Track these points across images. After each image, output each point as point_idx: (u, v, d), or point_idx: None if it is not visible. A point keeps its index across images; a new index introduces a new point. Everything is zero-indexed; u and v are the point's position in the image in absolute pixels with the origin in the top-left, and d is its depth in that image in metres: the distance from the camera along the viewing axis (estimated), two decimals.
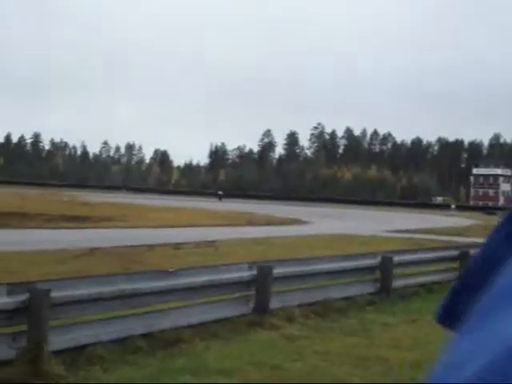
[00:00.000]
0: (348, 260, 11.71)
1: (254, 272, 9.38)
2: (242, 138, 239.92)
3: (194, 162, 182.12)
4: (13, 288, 6.36)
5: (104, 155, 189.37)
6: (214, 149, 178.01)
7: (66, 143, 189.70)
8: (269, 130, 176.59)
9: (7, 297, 6.25)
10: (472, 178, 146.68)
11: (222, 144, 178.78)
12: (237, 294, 9.39)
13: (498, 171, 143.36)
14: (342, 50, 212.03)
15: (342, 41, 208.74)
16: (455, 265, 14.09)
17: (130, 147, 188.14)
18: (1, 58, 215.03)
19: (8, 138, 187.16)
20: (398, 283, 12.33)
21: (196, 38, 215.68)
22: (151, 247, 19.63)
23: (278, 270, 9.73)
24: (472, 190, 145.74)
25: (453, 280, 13.76)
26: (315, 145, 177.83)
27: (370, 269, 12.01)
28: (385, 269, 11.99)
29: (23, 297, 6.31)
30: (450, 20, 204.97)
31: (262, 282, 9.40)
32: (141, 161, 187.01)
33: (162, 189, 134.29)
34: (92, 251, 17.38)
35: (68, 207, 42.46)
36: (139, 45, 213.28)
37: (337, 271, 11.25)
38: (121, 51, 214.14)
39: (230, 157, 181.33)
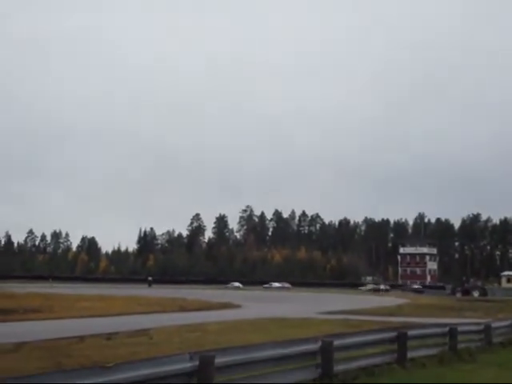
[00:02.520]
0: (290, 346, 11.48)
1: (196, 362, 9.08)
2: (171, 223, 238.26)
3: (123, 248, 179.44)
4: None
5: (29, 244, 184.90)
6: (142, 234, 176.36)
7: None
8: (198, 214, 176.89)
9: None
10: (399, 257, 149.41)
11: (151, 229, 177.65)
12: None
13: (425, 250, 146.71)
14: (276, 129, 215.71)
15: (275, 121, 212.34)
16: (394, 347, 14.04)
17: (56, 235, 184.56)
18: None
19: None
20: (338, 367, 12.16)
21: (126, 118, 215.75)
22: (82, 338, 18.93)
23: (220, 359, 9.45)
24: (400, 269, 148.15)
25: (392, 363, 13.70)
26: (244, 227, 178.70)
27: (312, 353, 11.82)
28: (326, 353, 11.83)
29: None
30: (377, 98, 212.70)
31: (204, 372, 9.09)
32: (68, 249, 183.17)
33: (91, 277, 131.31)
34: (19, 346, 16.58)
35: None
36: (64, 126, 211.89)
37: (279, 358, 11.01)
38: (43, 135, 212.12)
39: (159, 241, 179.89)
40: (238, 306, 41.71)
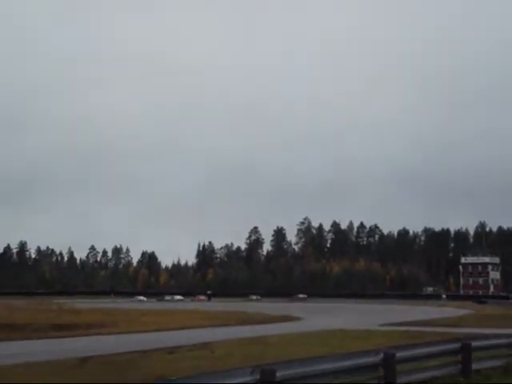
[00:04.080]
0: (350, 358, 11.39)
1: (257, 376, 9.09)
2: (230, 237, 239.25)
3: (182, 262, 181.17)
4: None
5: (91, 260, 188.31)
6: (201, 248, 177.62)
7: (52, 250, 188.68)
8: (256, 228, 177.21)
9: None
10: (461, 267, 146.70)
11: (210, 243, 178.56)
12: None
13: (487, 259, 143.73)
14: (330, 139, 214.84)
15: (330, 129, 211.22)
16: (457, 358, 13.77)
17: (117, 251, 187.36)
18: None
19: None
20: (402, 380, 11.98)
21: (188, 131, 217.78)
22: (145, 353, 19.20)
23: (281, 373, 9.44)
24: (462, 279, 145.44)
25: (456, 374, 13.42)
26: (302, 240, 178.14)
27: (373, 366, 11.69)
28: (388, 366, 11.68)
29: None
30: (435, 105, 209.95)
31: None
32: (128, 264, 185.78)
33: (152, 291, 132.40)
34: (85, 361, 16.91)
35: (56, 316, 41.72)
36: (119, 143, 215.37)
37: (340, 370, 10.93)
38: (100, 152, 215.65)
39: (218, 255, 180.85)
40: (298, 319, 41.61)
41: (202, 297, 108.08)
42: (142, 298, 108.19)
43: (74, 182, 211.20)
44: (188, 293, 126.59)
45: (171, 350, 19.76)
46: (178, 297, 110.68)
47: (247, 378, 9.08)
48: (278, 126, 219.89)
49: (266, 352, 18.84)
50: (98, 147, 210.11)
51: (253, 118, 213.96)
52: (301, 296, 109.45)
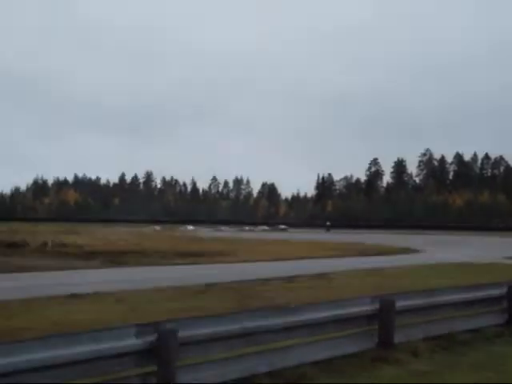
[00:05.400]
0: (472, 290, 11.19)
1: (377, 306, 9.11)
2: (349, 168, 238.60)
3: (302, 194, 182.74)
4: (141, 329, 6.39)
5: (213, 191, 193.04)
6: (320, 180, 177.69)
7: (176, 180, 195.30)
8: (375, 159, 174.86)
9: (136, 338, 6.30)
10: None
11: (329, 175, 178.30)
12: (360, 329, 9.12)
13: None
14: (452, 72, 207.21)
15: (453, 63, 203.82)
16: None
17: (237, 182, 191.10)
18: (111, 98, 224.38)
19: (122, 178, 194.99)
20: None
21: (297, 68, 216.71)
22: (264, 281, 19.61)
23: (400, 303, 9.42)
24: None
25: None
26: (424, 172, 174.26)
27: (497, 299, 11.43)
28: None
29: (152, 337, 6.34)
30: None
31: (385, 315, 9.10)
32: (249, 195, 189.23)
33: (271, 222, 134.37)
34: (209, 287, 17.54)
35: (181, 243, 43.31)
36: (241, 78, 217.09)
37: (461, 302, 10.77)
38: (223, 84, 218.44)
39: (337, 187, 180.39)
40: (417, 251, 41.12)
41: (282, 226, 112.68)
42: (191, 227, 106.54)
43: (199, 115, 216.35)
44: (306, 224, 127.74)
45: (290, 279, 20.07)
46: (263, 227, 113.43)
47: (367, 308, 9.12)
48: (393, 59, 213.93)
49: (384, 283, 18.78)
50: (221, 85, 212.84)
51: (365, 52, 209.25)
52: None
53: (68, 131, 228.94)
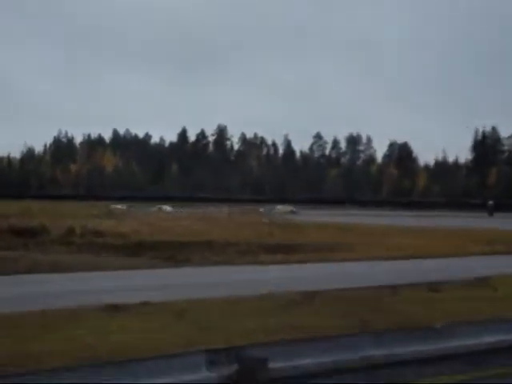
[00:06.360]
0: None
1: None
2: None
3: (450, 159, 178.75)
4: (214, 357, 6.38)
5: (316, 154, 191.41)
6: (479, 138, 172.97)
7: (261, 139, 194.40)
8: None
9: (207, 370, 6.29)
10: None
11: (493, 130, 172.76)
12: None
13: None
14: None
15: None
16: None
17: (353, 140, 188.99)
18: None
19: (183, 135, 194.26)
20: None
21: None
22: (394, 288, 19.61)
23: None
24: None
25: None
26: None
27: None
28: None
29: (230, 370, 6.34)
30: None
31: None
32: (370, 159, 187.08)
33: (403, 200, 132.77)
34: (310, 296, 17.61)
35: (268, 232, 43.56)
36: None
37: None
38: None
39: (506, 148, 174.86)
40: None
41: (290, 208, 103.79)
42: (166, 207, 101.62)
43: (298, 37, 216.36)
44: (452, 202, 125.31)
45: (433, 287, 19.97)
46: (281, 207, 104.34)
47: None
48: None
49: None
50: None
51: None
52: None
53: (101, 70, 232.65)
